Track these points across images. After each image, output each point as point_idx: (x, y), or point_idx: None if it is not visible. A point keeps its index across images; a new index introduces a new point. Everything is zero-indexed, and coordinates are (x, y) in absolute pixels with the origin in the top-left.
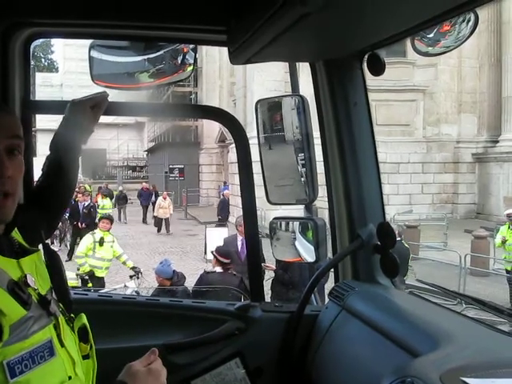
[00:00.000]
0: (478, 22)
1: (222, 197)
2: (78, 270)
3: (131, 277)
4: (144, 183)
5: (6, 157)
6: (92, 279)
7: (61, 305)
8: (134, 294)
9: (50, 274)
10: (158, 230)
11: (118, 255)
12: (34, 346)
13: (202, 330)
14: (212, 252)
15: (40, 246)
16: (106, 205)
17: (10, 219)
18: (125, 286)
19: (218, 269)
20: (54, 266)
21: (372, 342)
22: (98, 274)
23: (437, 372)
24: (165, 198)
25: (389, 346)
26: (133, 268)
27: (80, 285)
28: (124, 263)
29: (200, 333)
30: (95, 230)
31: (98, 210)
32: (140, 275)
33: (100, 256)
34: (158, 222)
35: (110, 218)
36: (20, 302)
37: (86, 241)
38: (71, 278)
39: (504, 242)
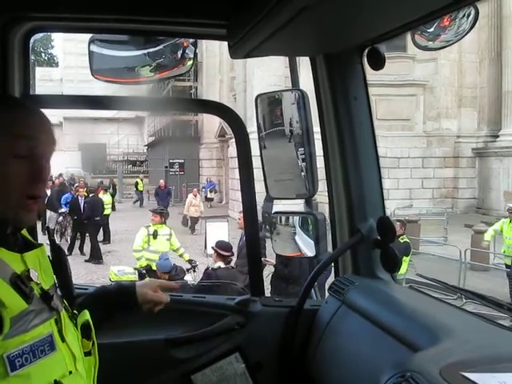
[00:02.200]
0: (479, 17)
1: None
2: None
3: (188, 270)
4: (161, 180)
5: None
6: (149, 273)
7: (64, 301)
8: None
9: (54, 270)
10: (192, 230)
11: (176, 248)
12: (35, 339)
13: (202, 325)
14: (212, 247)
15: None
16: (106, 200)
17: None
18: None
19: (221, 264)
20: (59, 262)
21: (372, 336)
22: (154, 267)
23: (437, 367)
24: (195, 196)
25: (389, 341)
26: (189, 261)
27: (138, 279)
28: (181, 256)
29: (200, 327)
30: (150, 223)
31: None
32: (196, 268)
33: (154, 249)
34: (192, 222)
35: (157, 212)
36: (22, 296)
37: (141, 233)
38: (129, 273)
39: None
